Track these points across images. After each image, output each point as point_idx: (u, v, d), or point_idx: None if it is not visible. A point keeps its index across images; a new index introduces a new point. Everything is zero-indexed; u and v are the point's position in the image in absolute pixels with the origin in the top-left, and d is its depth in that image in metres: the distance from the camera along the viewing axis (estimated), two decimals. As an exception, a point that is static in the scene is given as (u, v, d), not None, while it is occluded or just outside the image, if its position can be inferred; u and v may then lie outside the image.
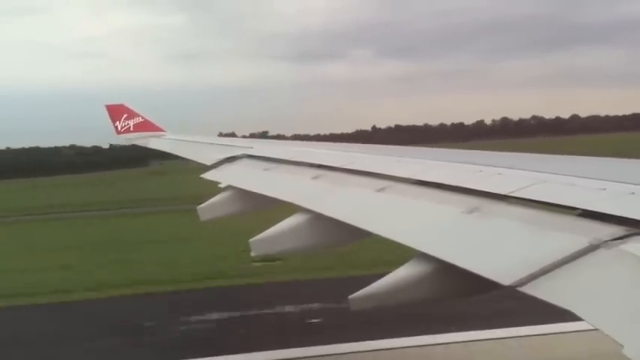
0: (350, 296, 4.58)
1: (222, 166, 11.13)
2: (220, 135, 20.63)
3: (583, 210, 3.88)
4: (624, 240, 3.34)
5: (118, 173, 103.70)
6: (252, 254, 6.58)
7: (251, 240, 6.55)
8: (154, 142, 19.39)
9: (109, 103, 21.17)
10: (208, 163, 11.65)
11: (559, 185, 4.61)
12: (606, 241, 3.38)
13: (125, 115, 20.53)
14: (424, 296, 4.53)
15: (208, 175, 11.07)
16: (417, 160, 7.15)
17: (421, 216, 5.25)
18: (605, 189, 4.18)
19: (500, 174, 5.32)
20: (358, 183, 6.71)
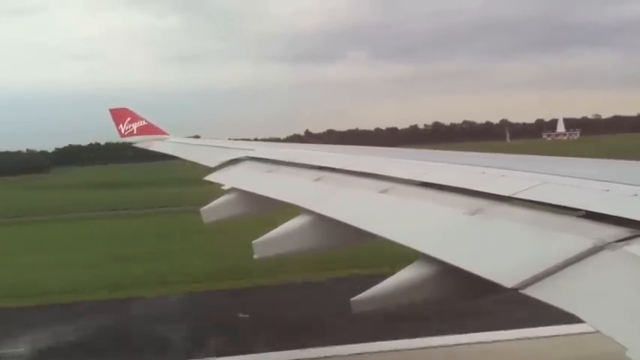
0: (352, 298, 4.57)
1: (225, 168, 11.15)
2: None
3: (586, 211, 3.88)
4: (628, 241, 3.33)
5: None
6: (255, 256, 6.55)
7: (254, 242, 6.53)
8: (157, 145, 19.51)
9: (113, 107, 21.35)
10: (212, 165, 11.67)
11: (562, 187, 4.60)
12: (610, 243, 3.37)
13: (128, 119, 20.73)
14: (427, 299, 4.51)
15: (212, 178, 11.07)
16: (419, 161, 7.14)
17: (424, 218, 5.24)
18: (608, 190, 4.17)
19: (503, 176, 5.31)
20: (361, 184, 6.69)
